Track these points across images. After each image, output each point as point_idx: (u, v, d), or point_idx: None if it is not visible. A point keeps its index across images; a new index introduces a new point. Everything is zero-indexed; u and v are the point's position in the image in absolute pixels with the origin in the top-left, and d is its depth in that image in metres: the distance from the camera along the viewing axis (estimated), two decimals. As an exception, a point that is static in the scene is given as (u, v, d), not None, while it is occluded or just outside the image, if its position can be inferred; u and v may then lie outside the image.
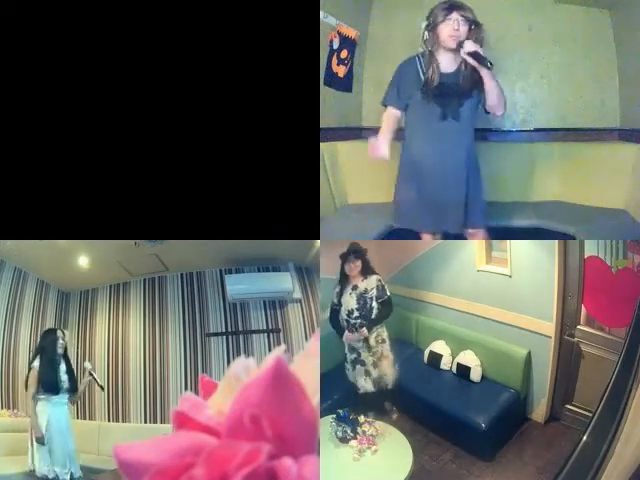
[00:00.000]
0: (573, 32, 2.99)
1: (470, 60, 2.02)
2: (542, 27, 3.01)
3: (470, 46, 2.00)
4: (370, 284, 2.77)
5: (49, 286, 4.15)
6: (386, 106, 2.25)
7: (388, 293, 2.80)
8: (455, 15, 2.01)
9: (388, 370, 2.85)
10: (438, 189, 2.21)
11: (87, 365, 3.12)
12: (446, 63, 2.12)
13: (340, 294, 2.82)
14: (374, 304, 2.76)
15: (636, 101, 2.79)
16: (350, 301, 2.77)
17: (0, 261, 3.63)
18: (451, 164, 2.18)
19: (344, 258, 2.77)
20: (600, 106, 3.01)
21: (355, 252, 2.74)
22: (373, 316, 2.76)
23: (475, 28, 2.04)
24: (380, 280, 2.80)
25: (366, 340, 2.77)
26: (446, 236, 2.47)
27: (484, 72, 2.03)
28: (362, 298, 2.76)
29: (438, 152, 2.18)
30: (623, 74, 2.91)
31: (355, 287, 2.77)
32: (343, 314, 2.80)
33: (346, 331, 2.78)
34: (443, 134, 2.15)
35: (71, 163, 2.00)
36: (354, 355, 2.81)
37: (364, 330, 2.74)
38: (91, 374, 3.08)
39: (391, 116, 2.23)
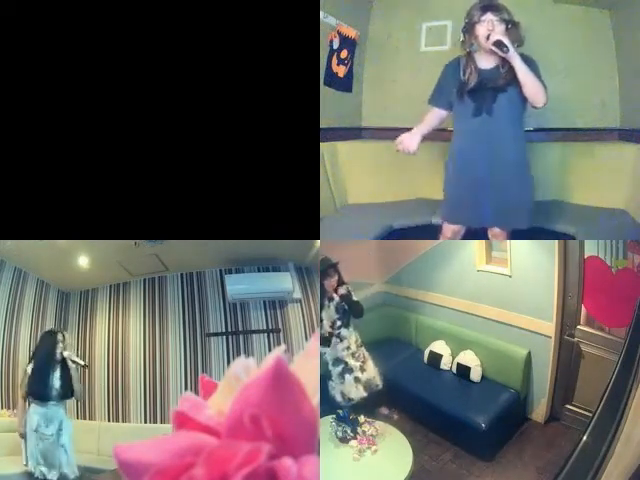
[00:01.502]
0: (573, 32, 2.99)
1: (495, 49, 2.03)
2: (542, 27, 3.01)
3: (494, 36, 2.02)
4: (341, 292, 2.76)
5: (49, 286, 4.15)
6: (430, 105, 2.28)
7: (355, 298, 2.78)
8: (489, 16, 2.03)
9: (373, 371, 2.83)
10: (475, 186, 2.22)
11: (66, 354, 2.94)
12: (484, 61, 2.14)
13: (321, 309, 2.80)
14: (346, 307, 2.77)
15: (636, 101, 2.79)
16: (330, 313, 2.76)
17: (0, 261, 3.63)
18: (485, 160, 2.18)
19: (322, 276, 2.74)
20: (600, 106, 3.01)
21: (332, 267, 2.72)
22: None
23: (512, 28, 2.04)
24: (348, 287, 2.77)
25: (348, 347, 2.77)
26: (466, 236, 2.46)
27: (514, 62, 2.03)
28: (340, 307, 2.75)
29: (472, 148, 2.20)
30: (623, 74, 2.91)
31: (331, 299, 2.76)
32: (326, 327, 2.77)
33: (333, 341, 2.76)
34: (478, 130, 2.16)
35: (71, 163, 2.00)
36: (341, 366, 2.76)
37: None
38: (72, 361, 2.94)
39: (432, 115, 2.26)
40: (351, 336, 2.79)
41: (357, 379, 2.77)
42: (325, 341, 2.78)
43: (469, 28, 2.09)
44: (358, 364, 2.78)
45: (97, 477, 3.01)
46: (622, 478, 1.61)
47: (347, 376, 2.76)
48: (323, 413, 2.54)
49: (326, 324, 2.77)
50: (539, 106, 2.14)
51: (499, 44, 2.01)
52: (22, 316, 3.78)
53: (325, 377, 2.79)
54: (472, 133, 2.19)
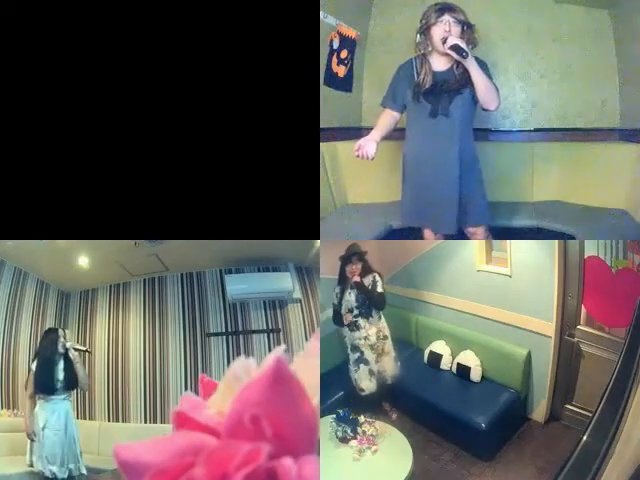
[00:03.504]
0: (573, 32, 2.99)
1: (452, 54, 2.04)
2: (542, 27, 3.01)
3: (451, 40, 2.02)
4: (367, 282, 2.80)
5: (49, 286, 4.15)
6: (384, 107, 2.27)
7: (379, 289, 2.80)
8: (447, 17, 2.04)
9: (388, 366, 2.87)
10: (431, 187, 2.22)
11: (69, 345, 2.96)
12: (438, 63, 2.15)
13: (341, 295, 2.85)
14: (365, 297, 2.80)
15: (636, 101, 2.79)
16: (350, 300, 2.81)
17: (0, 261, 3.63)
18: (443, 161, 2.18)
19: (345, 260, 2.78)
20: (600, 106, 3.01)
21: (356, 254, 2.75)
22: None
23: (467, 29, 2.06)
24: (375, 276, 2.80)
25: (366, 338, 2.79)
26: (447, 235, 2.47)
27: (470, 66, 2.04)
28: (360, 296, 2.79)
29: (430, 149, 2.19)
30: (623, 74, 2.91)
31: (353, 286, 2.79)
32: (344, 313, 2.83)
33: (346, 328, 2.82)
34: (434, 131, 2.17)
35: (71, 163, 2.00)
36: (357, 354, 2.82)
37: (349, 316, 2.79)
38: (75, 349, 2.97)
39: (387, 117, 2.25)
40: (371, 327, 2.82)
41: (371, 371, 2.80)
42: (340, 321, 2.82)
43: (425, 29, 2.10)
44: (374, 356, 2.80)
45: (97, 477, 3.01)
46: (622, 478, 1.61)
47: (362, 366, 2.81)
48: (326, 411, 2.55)
49: (343, 310, 2.82)
50: (492, 109, 2.16)
51: (457, 48, 2.02)
52: (22, 316, 3.78)
53: (346, 361, 2.87)
54: (428, 134, 2.20)
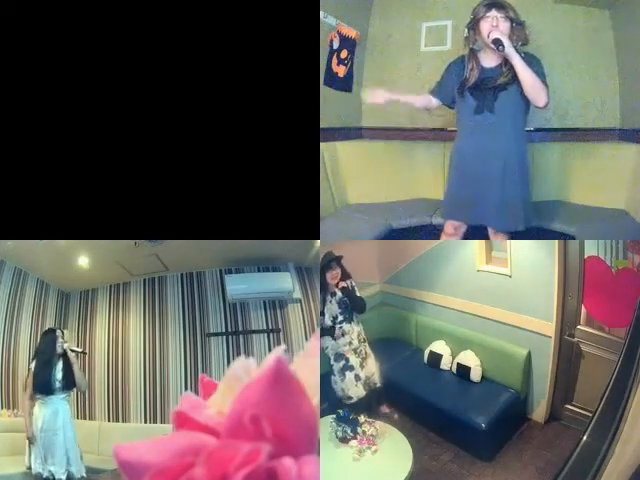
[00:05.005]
0: (573, 32, 2.99)
1: (493, 47, 2.04)
2: (542, 27, 3.01)
3: (493, 34, 2.03)
4: (342, 285, 2.77)
5: (49, 286, 4.15)
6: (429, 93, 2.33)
7: (357, 294, 2.79)
8: (494, 12, 2.04)
9: (374, 368, 2.84)
10: (472, 183, 2.22)
11: (65, 346, 2.97)
12: (488, 59, 2.15)
13: (323, 303, 2.80)
14: (347, 301, 2.78)
15: (636, 101, 2.79)
16: (332, 308, 2.77)
17: (0, 261, 3.63)
18: (485, 158, 2.18)
19: (324, 268, 2.75)
20: (600, 106, 3.01)
21: (334, 260, 2.73)
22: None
23: (517, 26, 2.06)
24: (352, 282, 2.79)
25: (350, 343, 2.77)
26: (467, 235, 2.46)
27: (514, 61, 2.04)
28: (342, 301, 2.76)
29: (474, 146, 2.20)
30: (623, 74, 2.91)
31: (334, 293, 2.77)
32: (328, 321, 2.78)
33: (330, 338, 2.78)
34: (479, 127, 2.17)
35: (71, 163, 2.00)
36: (342, 362, 2.75)
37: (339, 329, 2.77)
38: (72, 350, 2.98)
39: (425, 98, 2.32)
40: (353, 331, 2.79)
41: (357, 377, 2.77)
42: (327, 331, 2.78)
43: (474, 24, 2.10)
44: (359, 360, 2.78)
45: (97, 477, 3.01)
46: (622, 478, 1.61)
47: (348, 373, 2.75)
48: (324, 412, 2.54)
49: (327, 318, 2.78)
50: (540, 106, 2.14)
51: (497, 42, 2.02)
52: (22, 316, 3.78)
53: (328, 373, 2.79)
54: (473, 130, 2.20)
